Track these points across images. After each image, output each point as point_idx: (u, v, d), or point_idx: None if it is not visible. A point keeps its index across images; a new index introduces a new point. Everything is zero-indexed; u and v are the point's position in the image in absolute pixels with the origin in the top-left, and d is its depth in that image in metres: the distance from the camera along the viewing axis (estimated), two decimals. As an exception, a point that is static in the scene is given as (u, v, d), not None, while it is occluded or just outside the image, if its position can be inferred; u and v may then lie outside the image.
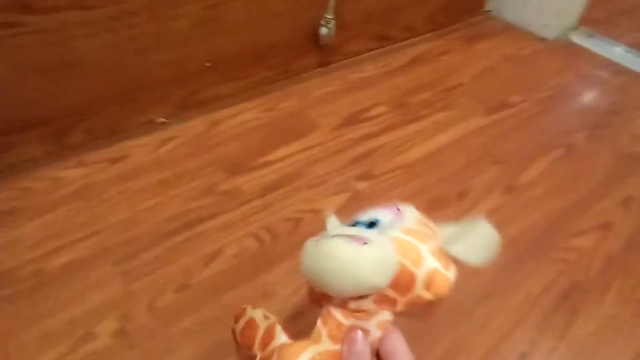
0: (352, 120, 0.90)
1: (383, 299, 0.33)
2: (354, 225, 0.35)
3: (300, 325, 0.55)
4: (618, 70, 1.13)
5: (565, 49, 1.20)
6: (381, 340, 0.34)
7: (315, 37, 0.95)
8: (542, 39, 1.21)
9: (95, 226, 0.65)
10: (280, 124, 0.87)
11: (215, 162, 0.77)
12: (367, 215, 0.36)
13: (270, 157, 0.80)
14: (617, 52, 1.19)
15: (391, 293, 0.32)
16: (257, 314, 0.42)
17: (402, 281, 0.32)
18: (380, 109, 0.93)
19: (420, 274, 0.31)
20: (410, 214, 0.36)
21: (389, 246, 0.32)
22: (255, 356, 0.39)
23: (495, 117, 0.94)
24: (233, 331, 0.44)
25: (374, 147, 0.84)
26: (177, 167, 0.76)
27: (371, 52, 1.09)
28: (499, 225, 0.33)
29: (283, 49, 0.93)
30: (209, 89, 0.87)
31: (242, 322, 0.43)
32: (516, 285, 0.64)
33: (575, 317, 0.61)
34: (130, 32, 0.71)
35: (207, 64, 0.82)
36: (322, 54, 1.00)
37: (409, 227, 0.34)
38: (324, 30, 0.94)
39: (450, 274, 0.32)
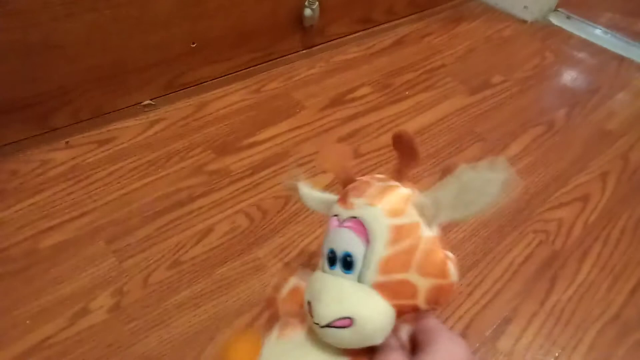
0: (338, 101, 0.91)
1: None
2: (330, 259, 0.33)
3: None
4: (595, 50, 1.16)
5: (544, 30, 1.22)
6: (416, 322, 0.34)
7: (299, 18, 0.96)
8: (522, 21, 1.23)
9: (86, 206, 0.65)
10: (266, 106, 0.88)
11: (203, 143, 0.78)
12: (340, 245, 0.32)
13: (258, 137, 0.81)
14: (594, 33, 1.22)
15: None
16: (303, 280, 0.40)
17: (405, 310, 0.32)
18: (365, 90, 0.94)
19: (420, 302, 0.31)
20: (380, 232, 0.31)
21: (377, 308, 0.31)
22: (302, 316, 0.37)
23: (478, 97, 0.96)
24: (272, 299, 0.42)
25: (360, 127, 0.86)
26: (166, 148, 0.76)
27: (355, 35, 1.10)
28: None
29: (267, 30, 0.93)
30: (195, 71, 0.87)
31: (291, 282, 0.41)
32: (499, 255, 0.66)
33: (555, 284, 0.64)
34: (114, 13, 0.70)
35: (193, 45, 0.82)
36: (306, 36, 1.01)
37: (387, 258, 0.31)
38: (307, 12, 0.94)
39: (450, 279, 0.32)
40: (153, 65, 0.80)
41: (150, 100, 0.83)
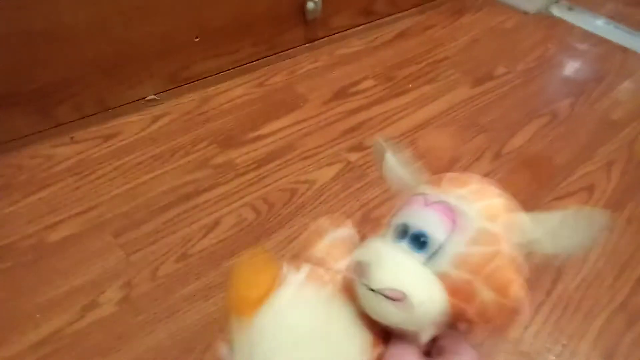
0: (342, 94, 0.91)
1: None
2: (401, 232, 0.32)
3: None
4: (597, 41, 1.16)
5: (546, 21, 1.22)
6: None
7: (302, 12, 0.96)
8: (524, 12, 1.23)
9: (92, 201, 0.66)
10: (270, 99, 0.88)
11: (208, 137, 0.78)
12: (417, 223, 0.31)
13: (263, 131, 0.81)
14: (596, 24, 1.22)
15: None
16: (356, 237, 0.38)
17: (456, 311, 0.30)
18: (368, 83, 0.94)
19: (473, 309, 0.30)
20: (470, 228, 0.30)
21: (435, 297, 0.29)
22: (336, 271, 0.35)
23: (481, 88, 0.95)
24: (310, 239, 0.38)
25: (364, 120, 0.85)
26: (171, 142, 0.76)
27: (357, 28, 1.10)
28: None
29: (270, 23, 0.93)
30: (198, 65, 0.86)
31: (340, 232, 0.38)
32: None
33: (562, 274, 0.64)
34: (118, 4, 0.70)
35: (196, 39, 0.82)
36: (309, 29, 1.00)
37: (463, 254, 0.30)
38: (310, 5, 0.94)
39: (511, 300, 0.30)
40: (157, 59, 0.80)
41: (154, 95, 0.83)
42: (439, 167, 0.35)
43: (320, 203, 0.69)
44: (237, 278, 0.32)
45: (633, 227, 0.70)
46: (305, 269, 0.33)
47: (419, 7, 1.20)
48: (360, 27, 1.10)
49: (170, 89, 0.85)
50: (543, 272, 0.63)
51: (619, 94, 0.98)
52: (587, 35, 1.18)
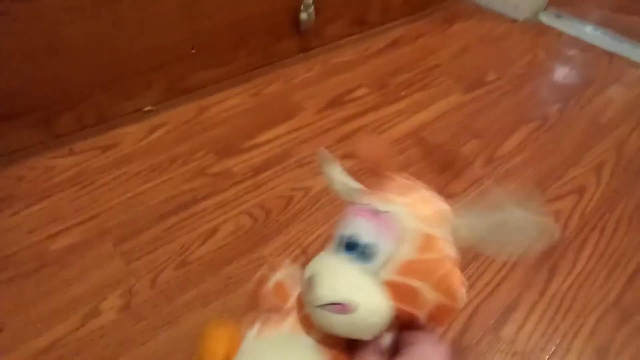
0: (336, 102, 0.92)
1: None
2: (346, 243, 0.33)
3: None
4: (585, 47, 1.18)
5: (535, 28, 1.24)
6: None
7: (295, 22, 0.97)
8: (514, 20, 1.26)
9: (92, 211, 0.66)
10: (266, 108, 0.89)
11: (205, 146, 0.79)
12: (356, 235, 0.32)
13: (259, 139, 0.82)
14: (584, 31, 1.25)
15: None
16: (298, 272, 0.40)
17: (403, 318, 0.32)
18: (362, 91, 0.96)
19: (422, 314, 0.32)
20: (413, 236, 0.31)
21: (378, 303, 0.31)
22: (286, 311, 0.38)
23: (473, 95, 0.97)
24: (262, 280, 0.41)
25: (358, 127, 0.87)
26: (168, 152, 0.77)
27: (350, 37, 1.12)
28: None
29: (265, 34, 0.94)
30: (194, 75, 0.88)
31: (278, 275, 0.40)
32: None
33: (555, 274, 0.65)
34: (115, 18, 0.72)
35: (192, 50, 0.84)
36: (302, 39, 1.02)
37: (405, 261, 0.31)
38: (303, 16, 0.96)
39: (457, 303, 0.32)
40: (154, 70, 0.82)
41: (151, 106, 0.84)
42: (379, 172, 0.36)
43: (316, 209, 0.70)
44: (200, 349, 0.35)
45: (622, 227, 0.72)
46: (259, 320, 0.36)
47: (411, 17, 1.22)
48: (353, 36, 1.12)
49: (167, 100, 0.86)
50: (536, 272, 0.65)
51: (607, 98, 1.00)
52: (575, 42, 1.21)
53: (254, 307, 0.38)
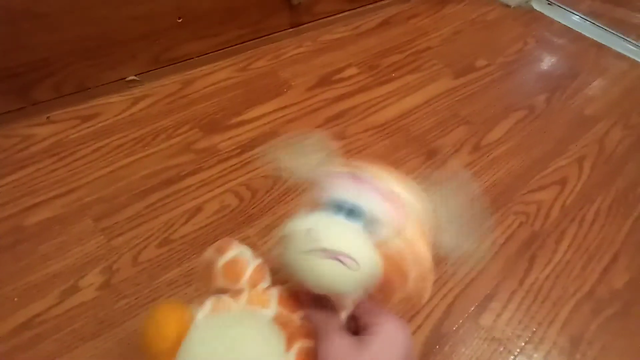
0: (325, 81, 0.91)
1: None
2: (337, 207, 0.33)
3: (282, 276, 0.57)
4: (574, 36, 1.19)
5: (527, 15, 1.24)
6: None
7: (287, -4, 0.95)
8: (506, 5, 1.25)
9: (71, 184, 0.64)
10: (254, 84, 0.87)
11: (190, 120, 0.77)
12: (352, 198, 0.33)
13: (246, 116, 0.80)
14: (573, 20, 1.25)
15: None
16: (247, 251, 0.39)
17: (382, 283, 0.33)
18: (352, 71, 0.94)
19: (398, 281, 0.33)
20: (413, 209, 0.33)
21: (372, 259, 0.32)
22: (237, 291, 0.36)
23: (462, 80, 0.97)
24: (210, 263, 0.39)
25: (347, 108, 0.86)
26: (152, 125, 0.75)
27: (342, 14, 1.09)
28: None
29: (255, 7, 0.91)
30: (181, 47, 0.85)
31: (229, 254, 0.38)
32: (482, 236, 0.68)
33: (534, 263, 0.66)
34: (100, -17, 0.68)
35: (179, 20, 0.80)
36: (293, 14, 0.99)
37: (399, 229, 0.32)
38: (296, -11, 0.93)
39: (428, 281, 0.34)
40: (139, 39, 0.78)
41: (135, 76, 0.81)
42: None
43: (303, 190, 0.69)
44: (148, 333, 0.32)
45: (600, 220, 0.74)
46: (209, 301, 0.35)
47: (403, -4, 1.20)
48: (345, 13, 1.09)
49: (152, 70, 0.83)
50: (517, 261, 0.66)
51: (593, 90, 1.01)
52: (565, 31, 1.21)
53: (203, 289, 0.37)
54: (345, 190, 0.33)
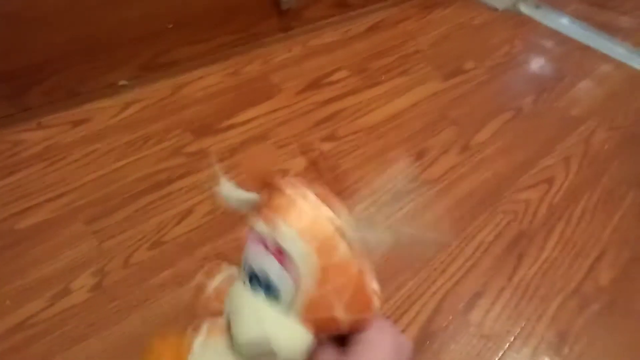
0: (315, 84, 0.92)
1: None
2: (252, 277, 0.32)
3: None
4: (561, 39, 1.21)
5: (514, 19, 1.26)
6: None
7: (277, 1, 0.96)
8: (494, 9, 1.27)
9: (63, 187, 0.65)
10: (244, 88, 0.88)
11: (181, 125, 0.78)
12: (262, 270, 0.32)
13: (236, 119, 0.81)
14: (561, 23, 1.27)
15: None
16: (237, 273, 0.39)
17: (327, 334, 0.33)
18: (341, 74, 0.96)
19: (343, 330, 0.32)
20: (310, 273, 0.31)
21: (296, 336, 0.31)
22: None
23: (451, 83, 0.98)
24: (201, 287, 0.40)
25: (337, 110, 0.87)
26: (143, 130, 0.76)
27: (331, 19, 1.11)
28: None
29: (245, 12, 0.92)
30: (172, 52, 0.86)
31: (219, 278, 0.39)
32: (471, 234, 0.69)
33: (522, 261, 0.67)
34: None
35: (169, 26, 0.81)
36: (283, 19, 1.01)
37: (311, 298, 0.31)
38: (285, -5, 0.94)
39: (372, 313, 0.32)
40: (129, 45, 0.79)
41: (126, 81, 0.82)
42: (261, 184, 0.36)
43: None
44: None
45: (586, 218, 0.75)
46: (204, 326, 0.35)
47: (391, 0, 1.22)
48: (334, 18, 1.11)
49: (142, 76, 0.84)
50: (505, 258, 0.67)
51: (578, 91, 1.02)
52: (552, 34, 1.23)
53: (195, 315, 0.37)
54: (257, 258, 0.32)
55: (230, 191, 0.40)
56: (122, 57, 0.79)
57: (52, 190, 0.64)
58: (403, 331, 0.57)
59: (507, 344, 0.58)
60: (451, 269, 0.64)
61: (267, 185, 0.34)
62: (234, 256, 0.60)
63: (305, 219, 0.32)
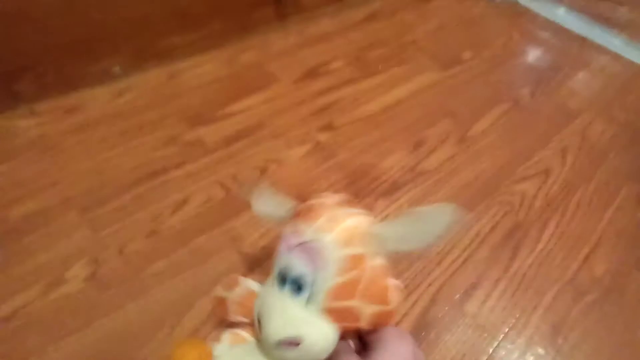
0: (312, 73, 0.91)
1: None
2: (281, 279, 0.35)
3: (267, 267, 0.57)
4: (558, 30, 1.20)
5: (512, 9, 1.25)
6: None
7: (273, -12, 0.94)
8: (491, -1, 1.26)
9: (56, 176, 0.64)
10: (240, 76, 0.87)
11: (176, 113, 0.77)
12: (290, 268, 0.34)
13: (232, 108, 0.80)
14: (558, 14, 1.26)
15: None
16: (255, 285, 0.42)
17: (349, 330, 0.35)
18: (338, 63, 0.95)
19: (363, 325, 0.34)
20: (331, 262, 0.33)
21: (323, 331, 0.33)
22: (250, 323, 0.39)
23: (448, 73, 0.98)
24: (222, 299, 0.42)
25: (334, 100, 0.86)
26: (137, 118, 0.75)
27: (328, 8, 1.09)
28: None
29: (241, 0, 0.91)
30: (166, 39, 0.84)
31: (237, 290, 0.41)
32: (467, 225, 0.69)
33: (518, 252, 0.67)
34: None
35: (165, 11, 0.80)
36: (280, 7, 0.99)
37: (333, 287, 0.33)
38: (282, -18, 0.93)
39: (390, 305, 0.35)
40: (123, 32, 0.77)
41: (119, 67, 0.81)
42: (297, 195, 0.39)
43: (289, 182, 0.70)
44: None
45: (582, 210, 0.75)
46: (226, 336, 0.37)
47: (390, -11, 1.20)
48: (331, 6, 1.10)
49: (136, 63, 0.82)
50: (501, 250, 0.67)
51: (576, 83, 1.02)
52: (549, 24, 1.22)
53: (217, 327, 0.41)
54: (285, 259, 0.35)
55: (265, 200, 0.44)
56: (116, 44, 0.78)
57: (45, 179, 0.63)
58: (399, 322, 0.57)
59: (502, 335, 0.58)
60: (447, 260, 0.64)
61: (302, 198, 0.38)
62: (228, 247, 0.60)
63: (328, 216, 0.35)
